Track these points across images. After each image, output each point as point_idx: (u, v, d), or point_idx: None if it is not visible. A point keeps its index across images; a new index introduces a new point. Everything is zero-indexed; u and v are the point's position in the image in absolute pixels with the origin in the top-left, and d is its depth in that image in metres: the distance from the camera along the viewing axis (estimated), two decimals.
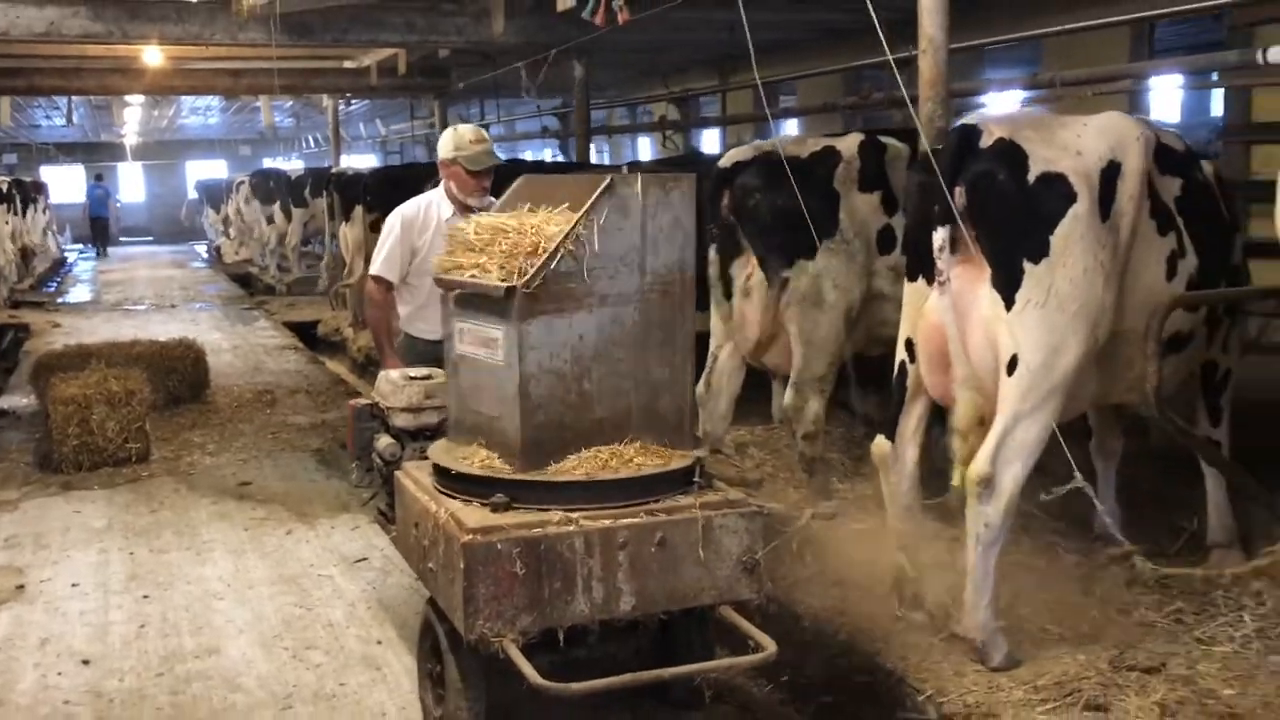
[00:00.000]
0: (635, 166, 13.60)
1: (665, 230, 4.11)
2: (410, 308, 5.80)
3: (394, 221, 5.75)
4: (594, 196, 3.98)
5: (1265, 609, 4.73)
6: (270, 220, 20.58)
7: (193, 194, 34.98)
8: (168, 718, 4.52)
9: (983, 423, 4.34)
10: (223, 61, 13.86)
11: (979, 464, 4.30)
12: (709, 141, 19.64)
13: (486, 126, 21.73)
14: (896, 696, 4.55)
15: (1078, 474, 4.21)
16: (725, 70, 15.63)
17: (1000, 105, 9.43)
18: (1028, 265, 4.14)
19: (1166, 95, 15.37)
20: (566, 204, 4.10)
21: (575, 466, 4.02)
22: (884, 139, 6.06)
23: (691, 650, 4.23)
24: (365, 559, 6.25)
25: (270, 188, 20.82)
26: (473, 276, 4.07)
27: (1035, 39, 7.81)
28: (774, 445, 7.50)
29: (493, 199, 5.39)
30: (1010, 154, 4.21)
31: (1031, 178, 4.19)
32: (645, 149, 22.97)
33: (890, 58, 4.86)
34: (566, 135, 15.81)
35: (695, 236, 4.21)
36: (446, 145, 5.64)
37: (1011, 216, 4.19)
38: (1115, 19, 6.74)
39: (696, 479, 4.12)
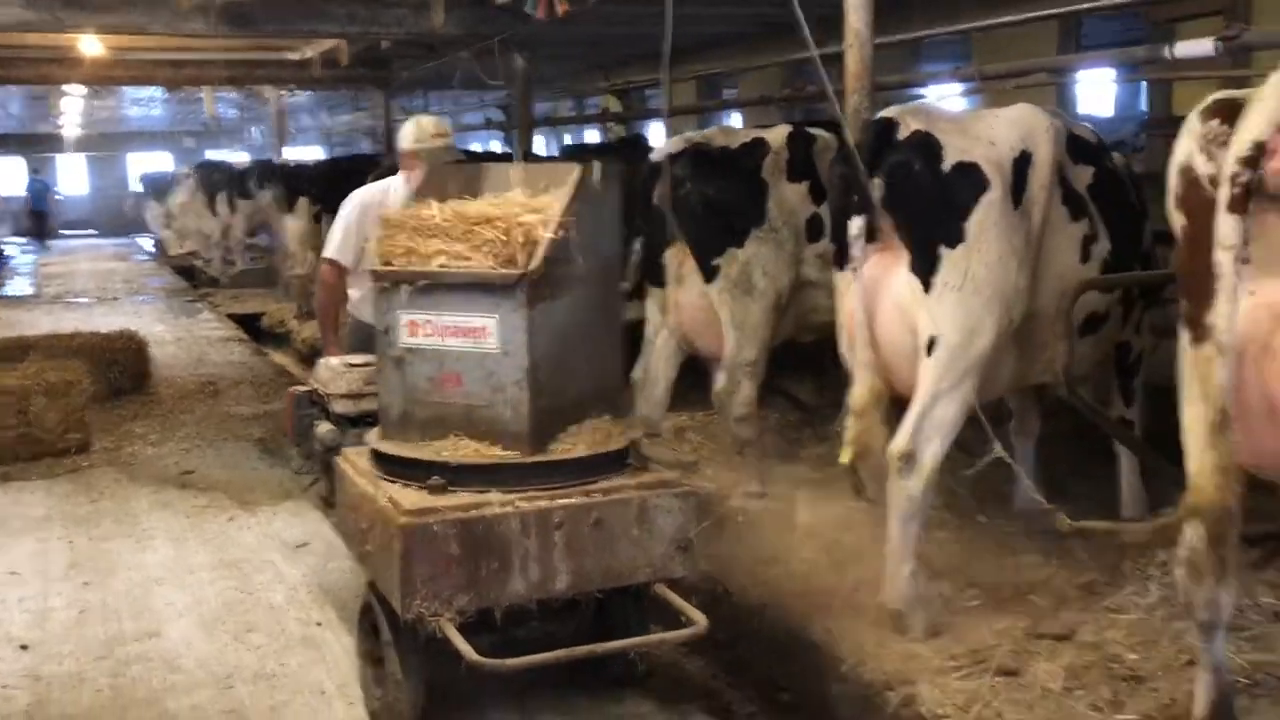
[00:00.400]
0: (579, 151, 13.70)
1: (609, 217, 4.34)
2: (360, 292, 5.84)
3: (351, 206, 5.83)
4: (573, 184, 4.16)
5: (1170, 579, 4.96)
6: (214, 213, 20.42)
7: (136, 186, 34.50)
8: (107, 700, 4.58)
9: (877, 405, 4.51)
10: (164, 52, 13.74)
11: (900, 441, 4.48)
12: (654, 133, 19.77)
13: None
14: (820, 668, 4.73)
15: (997, 444, 4.39)
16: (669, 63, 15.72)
17: (935, 98, 9.67)
18: (944, 250, 4.32)
19: (1097, 90, 15.73)
20: (532, 190, 4.31)
21: (573, 445, 4.18)
22: (812, 130, 6.23)
23: (627, 627, 4.35)
24: (307, 544, 6.33)
25: (214, 180, 20.65)
26: (444, 265, 4.11)
27: (965, 34, 8.00)
28: (712, 430, 7.67)
29: None
30: (926, 145, 4.40)
31: (946, 167, 4.37)
32: (592, 140, 23.05)
33: (816, 52, 5.01)
34: (510, 127, 15.86)
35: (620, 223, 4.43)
36: (408, 136, 5.73)
37: (928, 204, 4.37)
38: (1036, 14, 6.95)
39: (631, 460, 4.25)
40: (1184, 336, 3.21)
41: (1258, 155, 2.93)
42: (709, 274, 5.90)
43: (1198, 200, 3.09)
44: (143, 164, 37.79)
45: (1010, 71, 6.63)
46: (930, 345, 4.38)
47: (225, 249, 20.73)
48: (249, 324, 15.71)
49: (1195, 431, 3.20)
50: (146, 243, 30.94)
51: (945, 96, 9.41)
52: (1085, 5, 6.63)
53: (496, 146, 19.35)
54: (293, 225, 14.79)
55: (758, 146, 6.02)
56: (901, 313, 4.43)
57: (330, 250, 5.84)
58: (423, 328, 4.21)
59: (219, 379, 11.07)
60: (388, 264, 4.27)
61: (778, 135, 6.10)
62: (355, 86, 16.83)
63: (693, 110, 13.89)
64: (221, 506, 7.06)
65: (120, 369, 10.07)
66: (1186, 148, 3.18)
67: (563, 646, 3.99)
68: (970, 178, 4.36)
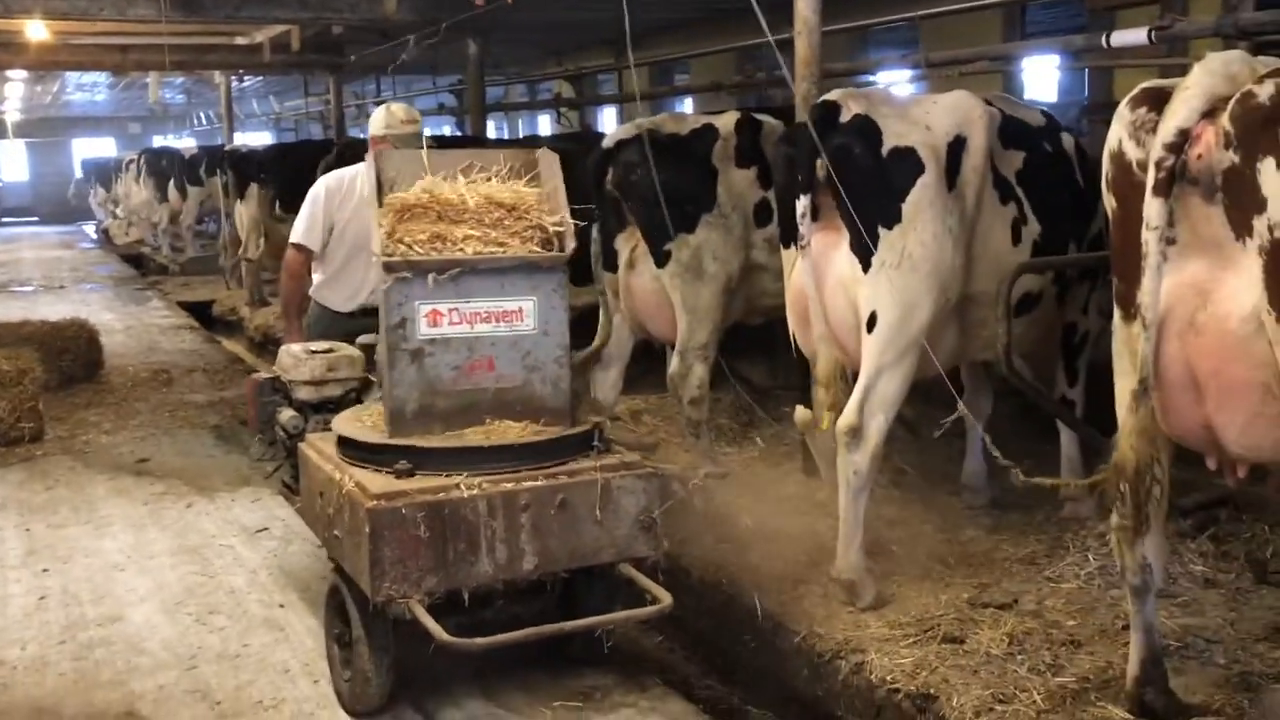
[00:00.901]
0: (532, 140, 13.73)
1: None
2: (321, 277, 5.89)
3: (318, 191, 5.82)
4: (557, 169, 4.41)
5: (1107, 549, 5.17)
6: (163, 199, 20.20)
7: (79, 172, 33.99)
8: (71, 683, 4.62)
9: (842, 375, 4.67)
10: (111, 37, 13.60)
11: (847, 416, 4.63)
12: (607, 119, 19.83)
13: (382, 103, 21.51)
14: (773, 639, 4.88)
15: (961, 404, 4.55)
16: (622, 49, 15.82)
17: (884, 84, 9.83)
18: (882, 231, 4.48)
19: (1042, 75, 15.98)
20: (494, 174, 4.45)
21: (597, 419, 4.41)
22: (760, 116, 6.35)
23: (592, 607, 4.37)
24: (266, 529, 6.38)
25: (163, 166, 20.42)
26: (479, 251, 4.21)
27: (912, 21, 8.15)
28: (667, 412, 7.79)
29: None
30: (866, 129, 4.55)
31: (885, 151, 4.53)
32: (545, 126, 23.04)
33: (771, 38, 5.13)
34: (464, 112, 15.84)
35: None
36: (378, 123, 5.72)
37: (867, 186, 4.52)
38: (979, 3, 7.11)
39: (596, 443, 4.32)
40: (1116, 313, 3.37)
41: (1182, 142, 3.08)
42: (660, 259, 6.01)
43: (1128, 184, 3.24)
44: (87, 150, 37.22)
45: (953, 59, 6.78)
46: (871, 322, 4.54)
47: (174, 236, 20.53)
48: (200, 312, 15.61)
49: (1123, 401, 3.37)
50: (91, 230, 30.52)
51: (893, 83, 9.57)
52: None
53: (449, 131, 19.29)
54: (244, 211, 14.68)
55: (707, 133, 6.13)
56: (844, 289, 4.59)
57: (297, 235, 5.82)
58: (447, 316, 4.22)
59: (171, 367, 11.03)
60: (404, 253, 4.19)
61: (727, 121, 6.22)
62: (306, 71, 16.71)
63: (646, 96, 13.96)
64: (179, 493, 7.08)
65: (71, 357, 10.01)
66: (1117, 134, 3.34)
67: (527, 626, 4.03)
68: (907, 161, 4.53)
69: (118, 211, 26.01)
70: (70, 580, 5.69)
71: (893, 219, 4.48)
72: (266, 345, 13.22)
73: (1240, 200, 3.00)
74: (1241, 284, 3.04)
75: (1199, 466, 3.72)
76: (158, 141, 33.32)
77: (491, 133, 17.28)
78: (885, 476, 6.29)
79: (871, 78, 9.60)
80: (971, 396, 5.99)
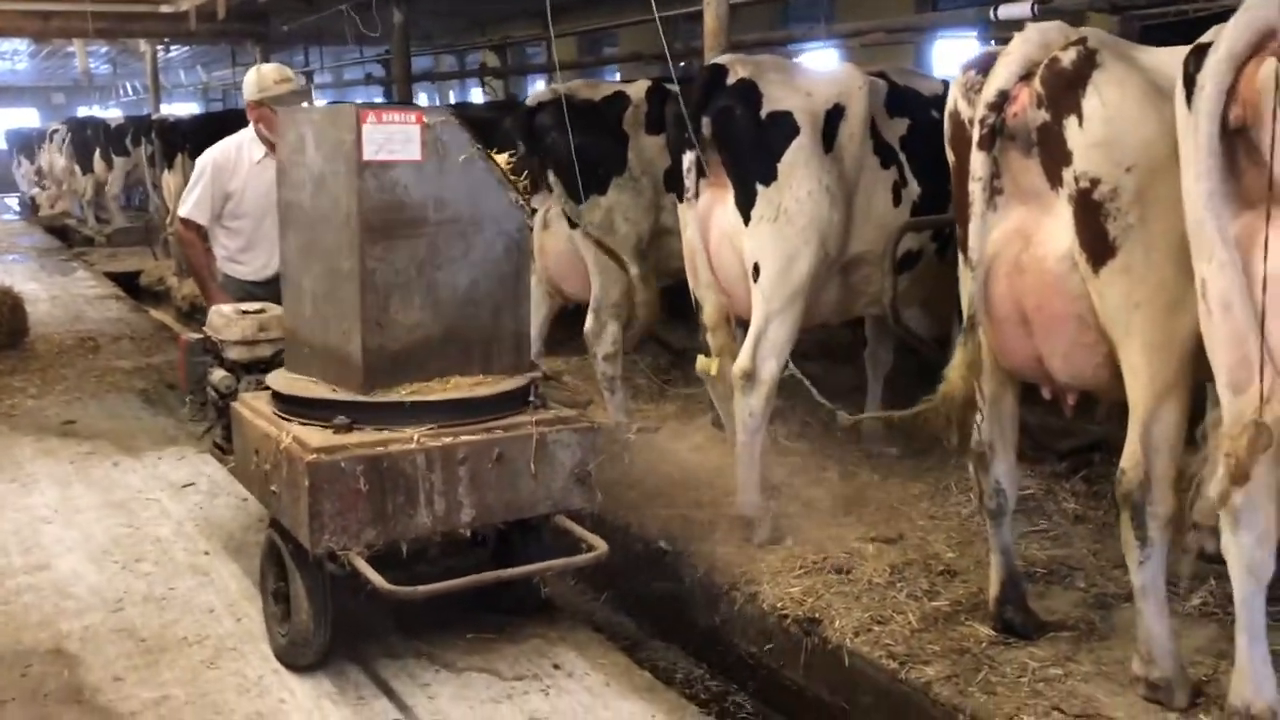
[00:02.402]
0: (462, 108, 13.85)
1: (460, 166, 4.29)
2: (227, 251, 5.90)
3: (204, 164, 5.82)
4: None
5: None
6: (88, 170, 19.98)
7: (2, 144, 33.27)
8: (0, 625, 4.80)
9: (727, 320, 4.99)
10: (31, 3, 13.46)
11: (741, 361, 4.97)
12: (538, 90, 19.95)
13: (310, 73, 21.42)
14: (678, 576, 5.19)
15: (791, 365, 4.92)
16: (548, 21, 15.97)
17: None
18: (760, 187, 4.81)
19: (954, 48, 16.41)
20: None
21: (503, 380, 4.35)
22: (671, 86, 6.60)
23: (529, 559, 4.41)
24: (192, 484, 6.55)
25: (88, 136, 20.18)
26: None
27: None
28: (588, 372, 8.06)
29: None
30: (748, 92, 4.87)
31: (764, 114, 4.84)
32: (477, 96, 23.08)
33: (657, 16, 5.43)
34: (391, 82, 15.89)
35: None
36: (250, 87, 5.74)
37: (747, 145, 4.85)
38: None
39: (532, 398, 4.38)
40: (960, 257, 3.71)
41: (1001, 101, 3.43)
42: (573, 219, 6.27)
43: (962, 140, 3.58)
44: (8, 121, 36.40)
45: (855, 30, 7.12)
46: (755, 272, 4.86)
47: (99, 207, 20.33)
48: (127, 282, 15.53)
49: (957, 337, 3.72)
50: (14, 202, 29.97)
51: (806, 53, 9.92)
52: None
53: (380, 101, 19.27)
54: (171, 181, 14.64)
55: (619, 100, 6.39)
56: (730, 241, 4.91)
57: (185, 209, 5.83)
58: None
59: (98, 334, 11.05)
60: None
61: (638, 89, 6.49)
62: (233, 41, 16.64)
63: (569, 66, 14.15)
64: (105, 453, 7.21)
65: None
66: (953, 95, 3.68)
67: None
68: (783, 124, 4.83)
69: (44, 183, 25.60)
70: None
71: (769, 177, 4.80)
72: (194, 314, 13.23)
73: (1052, 153, 3.36)
74: (1057, 228, 3.41)
75: (1076, 415, 4.07)
76: (83, 112, 32.68)
77: (423, 103, 17.33)
78: (791, 427, 6.67)
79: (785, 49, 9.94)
80: (872, 349, 6.36)
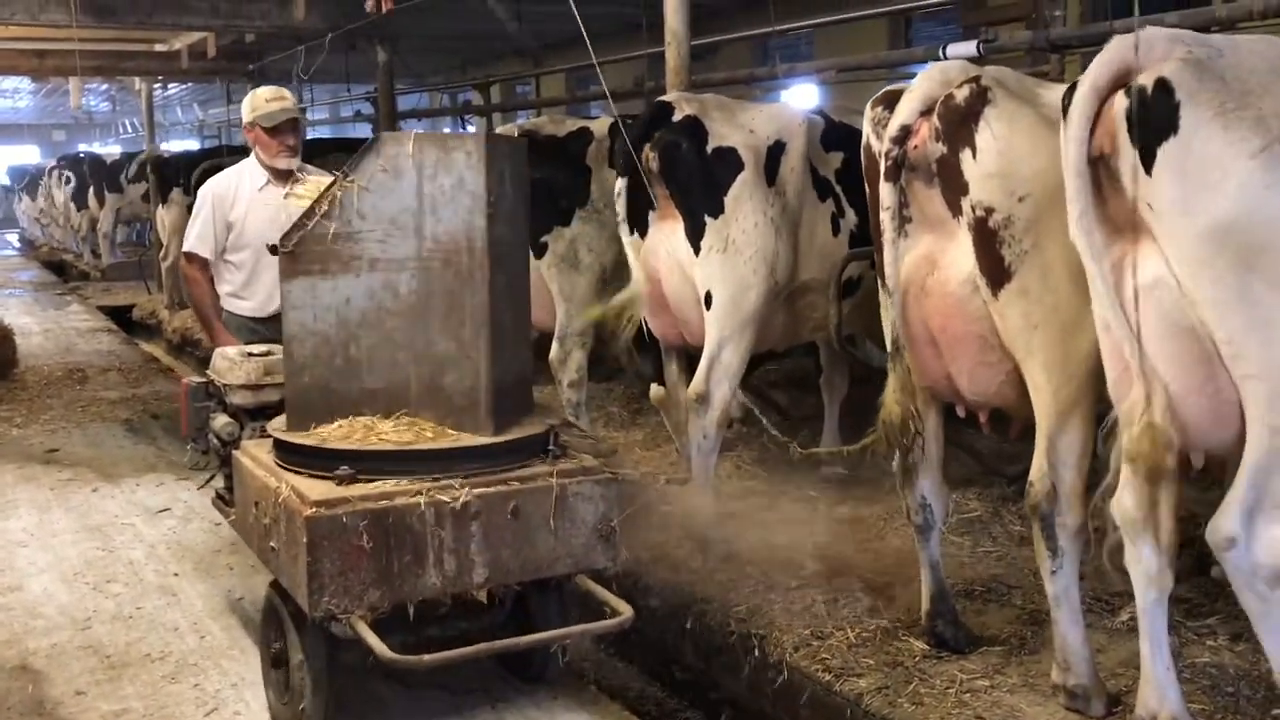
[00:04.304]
0: None
1: (447, 193, 3.94)
2: (232, 286, 5.69)
3: (205, 195, 5.66)
4: (357, 157, 3.97)
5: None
6: (82, 206, 20.28)
7: (5, 179, 33.65)
8: None
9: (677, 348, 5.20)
10: (27, 41, 13.76)
11: (695, 385, 5.17)
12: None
13: (302, 110, 21.61)
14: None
15: (745, 397, 5.09)
16: (540, 58, 16.31)
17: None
18: (708, 220, 5.03)
19: None
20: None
21: (522, 427, 4.02)
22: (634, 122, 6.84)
23: (548, 622, 4.16)
24: (168, 509, 6.71)
25: (83, 172, 20.48)
26: None
27: (770, 36, 8.73)
28: (556, 401, 8.24)
29: (304, 164, 5.62)
30: (693, 129, 5.11)
31: (709, 149, 5.07)
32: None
33: (595, 61, 5.67)
34: (379, 119, 16.21)
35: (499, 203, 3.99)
36: (245, 110, 5.59)
37: (694, 180, 5.08)
38: (849, 16, 7.72)
39: (551, 446, 4.04)
40: (879, 284, 3.90)
41: (904, 136, 3.63)
42: (539, 250, 6.47)
43: (875, 172, 3.78)
44: (9, 157, 36.82)
45: (820, 67, 7.38)
46: (708, 300, 5.07)
47: (94, 242, 20.59)
48: (120, 316, 15.77)
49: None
50: (14, 238, 30.32)
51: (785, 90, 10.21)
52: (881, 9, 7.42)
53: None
54: (165, 216, 14.89)
55: (582, 135, 6.62)
56: (683, 270, 5.12)
57: (189, 244, 5.65)
58: None
59: (87, 366, 11.25)
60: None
61: (601, 125, 6.72)
62: (224, 79, 16.95)
63: (558, 102, 14.45)
64: (85, 480, 7.37)
65: None
66: (866, 130, 3.88)
67: (480, 642, 3.81)
68: (728, 159, 5.07)
69: (41, 218, 25.93)
70: None
71: (717, 209, 5.03)
72: (184, 347, 13.46)
73: (950, 184, 3.58)
74: (959, 253, 3.61)
75: (1021, 438, 4.23)
76: (84, 149, 33.08)
77: None
78: (752, 453, 6.84)
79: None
80: (828, 376, 6.55)
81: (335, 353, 4.08)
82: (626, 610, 3.90)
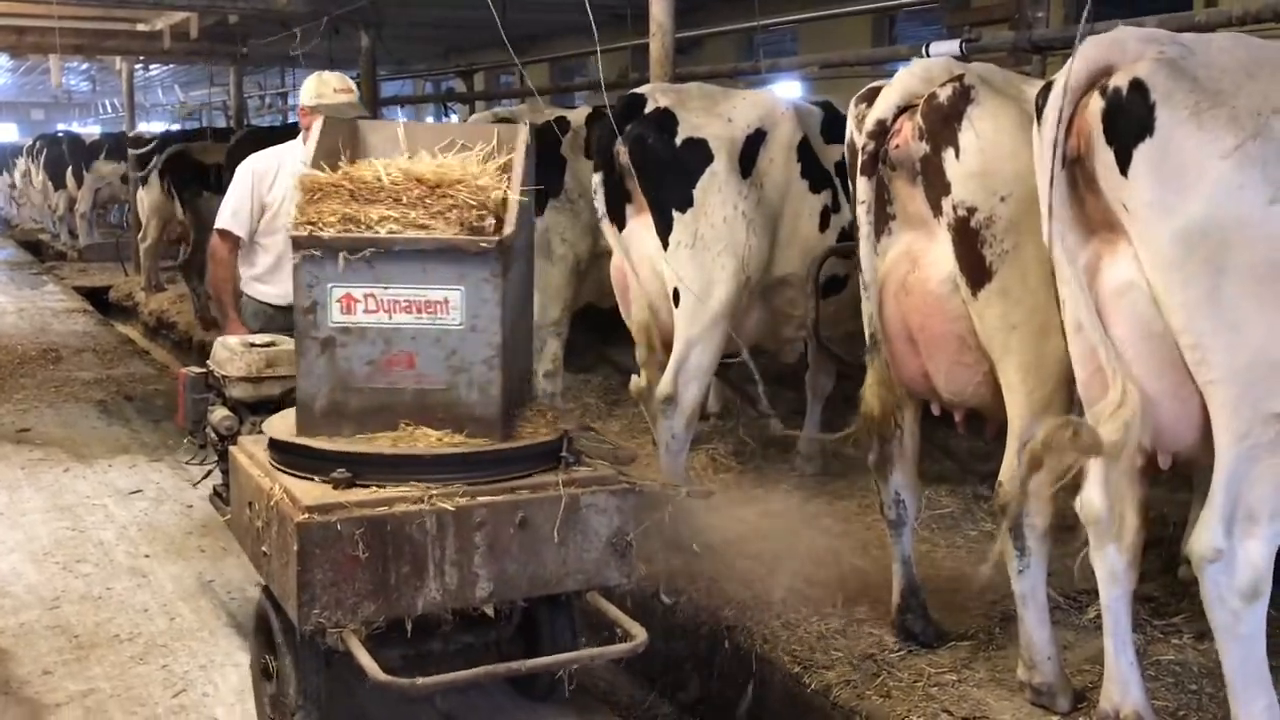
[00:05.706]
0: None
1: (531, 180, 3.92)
2: (257, 269, 5.45)
3: (244, 172, 5.35)
4: (522, 144, 3.95)
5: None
6: (60, 186, 20.10)
7: None
8: None
9: (652, 342, 5.18)
10: (4, 18, 13.61)
11: (663, 386, 5.15)
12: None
13: (284, 94, 21.47)
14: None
15: (745, 354, 5.09)
16: (523, 47, 16.28)
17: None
18: (676, 214, 4.99)
19: None
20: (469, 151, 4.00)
21: (533, 433, 3.77)
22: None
23: (555, 640, 3.96)
24: (140, 490, 6.67)
25: (61, 152, 20.29)
26: (393, 231, 3.59)
27: (755, 31, 8.75)
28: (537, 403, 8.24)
29: None
30: (664, 120, 5.06)
31: (679, 141, 5.03)
32: (455, 121, 23.35)
33: (599, 49, 5.62)
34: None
35: None
36: (309, 92, 5.23)
37: (663, 173, 5.03)
38: (835, 11, 7.75)
39: (564, 454, 3.75)
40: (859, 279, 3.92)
41: (880, 131, 3.65)
42: None
43: (855, 168, 3.78)
44: None
45: (801, 63, 7.40)
46: (675, 296, 5.04)
47: (72, 222, 20.42)
48: (97, 298, 15.66)
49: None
50: None
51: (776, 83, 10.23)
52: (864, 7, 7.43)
53: None
54: (145, 197, 14.78)
55: (559, 124, 6.60)
56: (653, 264, 5.09)
57: (222, 220, 5.35)
58: (362, 303, 3.65)
59: (61, 347, 11.16)
60: (314, 231, 3.61)
61: (578, 115, 6.71)
62: (207, 60, 16.83)
63: (544, 91, 14.42)
64: (57, 460, 7.32)
65: None
66: (848, 126, 3.89)
67: (480, 661, 3.60)
68: (697, 151, 5.01)
69: (18, 197, 25.69)
70: None
71: (686, 203, 4.97)
72: (160, 330, 13.40)
73: (932, 183, 3.59)
74: (940, 252, 3.63)
75: (997, 438, 4.26)
76: (62, 129, 32.81)
77: None
78: (729, 447, 6.86)
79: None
80: (812, 375, 6.56)
81: (510, 350, 3.82)
82: (641, 634, 3.58)
